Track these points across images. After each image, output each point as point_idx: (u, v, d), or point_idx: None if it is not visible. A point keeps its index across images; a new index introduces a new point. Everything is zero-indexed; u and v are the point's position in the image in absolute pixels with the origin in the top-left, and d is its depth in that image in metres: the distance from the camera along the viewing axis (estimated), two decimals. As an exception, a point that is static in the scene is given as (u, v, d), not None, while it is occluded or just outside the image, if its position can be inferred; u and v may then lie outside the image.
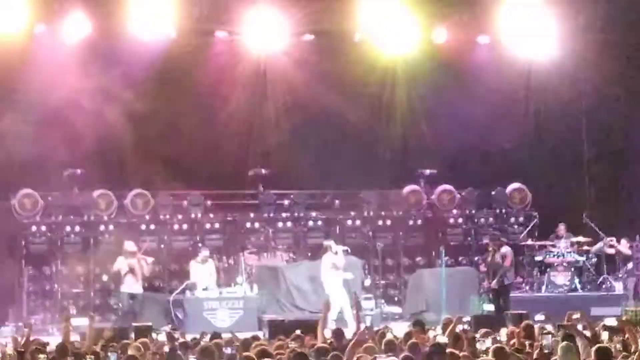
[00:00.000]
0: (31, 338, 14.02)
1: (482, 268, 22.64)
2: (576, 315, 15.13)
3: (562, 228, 23.25)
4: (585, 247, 23.12)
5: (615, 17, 23.62)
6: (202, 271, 22.00)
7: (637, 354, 10.91)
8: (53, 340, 15.15)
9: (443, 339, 12.46)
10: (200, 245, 23.27)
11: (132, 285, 21.13)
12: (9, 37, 21.73)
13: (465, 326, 17.22)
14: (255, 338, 14.28)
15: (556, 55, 24.58)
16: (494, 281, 21.02)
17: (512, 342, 12.61)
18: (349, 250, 21.78)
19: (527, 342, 12.30)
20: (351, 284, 22.34)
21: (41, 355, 11.09)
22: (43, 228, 22.86)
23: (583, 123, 25.35)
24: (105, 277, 23.04)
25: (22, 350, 12.43)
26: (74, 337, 17.13)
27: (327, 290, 20.93)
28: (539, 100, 25.32)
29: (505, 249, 21.42)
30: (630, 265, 23.02)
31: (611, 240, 22.99)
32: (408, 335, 13.39)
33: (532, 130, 25.57)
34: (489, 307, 22.22)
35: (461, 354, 11.06)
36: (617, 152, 24.72)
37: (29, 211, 22.73)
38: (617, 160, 24.69)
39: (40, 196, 22.84)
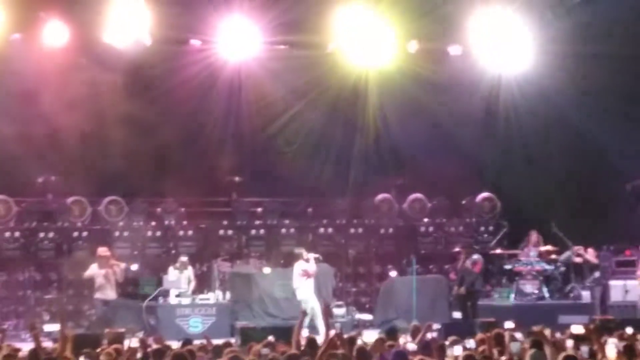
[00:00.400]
0: (4, 344, 14.14)
1: (452, 276, 22.94)
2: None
3: (533, 236, 23.48)
4: (554, 256, 23.37)
5: (585, 28, 23.88)
6: (181, 277, 22.09)
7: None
8: (26, 347, 15.21)
9: (412, 347, 12.65)
10: (174, 252, 23.37)
11: (105, 292, 21.19)
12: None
13: (435, 334, 17.51)
14: (227, 344, 14.40)
15: (527, 65, 24.81)
16: (462, 287, 21.34)
17: (481, 349, 12.80)
18: (321, 258, 21.94)
19: (496, 350, 12.49)
20: (323, 291, 22.59)
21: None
22: (17, 234, 22.88)
23: (554, 133, 25.59)
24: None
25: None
26: (47, 343, 17.25)
27: (299, 297, 21.10)
28: (510, 110, 25.50)
29: (477, 256, 21.71)
30: (597, 274, 23.36)
31: (579, 249, 23.30)
32: (378, 342, 13.57)
33: (503, 140, 25.78)
34: (459, 315, 22.49)
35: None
36: (587, 162, 24.95)
37: (2, 217, 22.76)
38: (587, 170, 24.93)
39: (14, 202, 22.87)
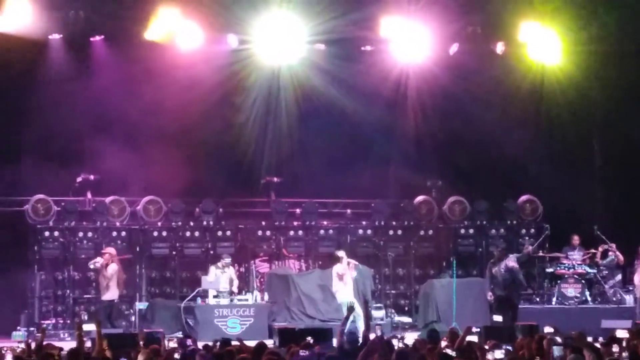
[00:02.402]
0: (44, 342, 14.16)
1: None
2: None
3: (576, 239, 23.23)
4: (597, 260, 23.08)
5: (623, 27, 23.63)
6: (221, 278, 22.04)
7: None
8: (65, 346, 15.22)
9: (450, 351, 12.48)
10: (212, 252, 23.36)
11: (113, 292, 21.26)
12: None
13: (474, 337, 17.34)
14: (262, 345, 14.25)
15: (567, 65, 24.63)
16: (506, 290, 20.86)
17: (520, 352, 12.62)
18: (360, 266, 21.73)
19: (537, 357, 12.29)
20: (361, 293, 22.48)
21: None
22: (56, 233, 22.96)
23: (596, 134, 25.32)
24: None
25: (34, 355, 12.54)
26: (87, 343, 17.27)
27: (339, 300, 20.91)
28: (553, 111, 25.29)
29: (512, 262, 21.27)
30: (619, 276, 23.03)
31: (611, 246, 22.97)
32: (416, 345, 13.42)
33: (544, 141, 25.57)
34: (498, 318, 22.24)
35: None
36: (630, 164, 24.66)
37: (42, 216, 22.85)
38: (630, 171, 24.64)
39: (54, 202, 22.96)
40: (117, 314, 22.20)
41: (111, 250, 21.53)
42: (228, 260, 22.29)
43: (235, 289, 22.12)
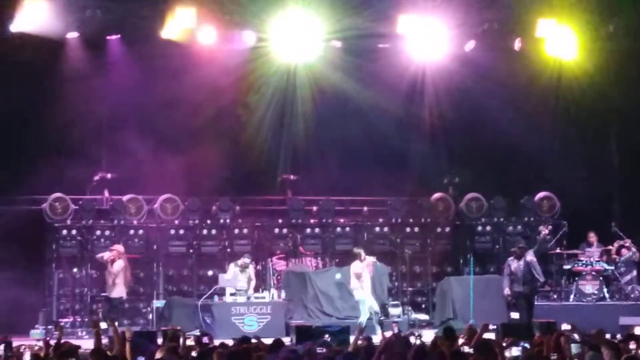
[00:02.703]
0: (62, 341, 14.20)
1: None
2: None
3: (592, 236, 23.15)
4: (614, 256, 23.00)
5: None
6: (239, 276, 22.05)
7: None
8: (83, 344, 15.28)
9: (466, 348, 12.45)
10: (229, 250, 23.38)
11: (119, 290, 21.05)
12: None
13: (492, 334, 17.30)
14: (279, 342, 14.24)
15: (584, 61, 24.56)
16: (525, 286, 20.76)
17: (538, 350, 12.57)
18: (378, 263, 21.71)
19: (554, 354, 12.24)
20: (378, 290, 22.49)
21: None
22: (73, 232, 23.03)
23: (613, 130, 25.23)
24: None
25: (52, 354, 12.58)
26: (104, 340, 17.32)
27: (357, 298, 20.82)
28: (571, 107, 25.22)
29: (531, 256, 21.18)
30: (634, 272, 22.92)
31: (626, 242, 22.87)
32: (435, 342, 13.39)
33: (562, 138, 25.50)
34: (516, 315, 22.19)
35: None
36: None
37: (59, 215, 22.93)
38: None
39: (71, 200, 23.04)
40: (123, 312, 22.18)
41: (119, 247, 21.40)
42: (247, 261, 22.28)
43: (251, 290, 22.07)
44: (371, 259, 20.86)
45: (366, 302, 20.43)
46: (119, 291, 20.99)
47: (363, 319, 20.17)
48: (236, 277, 21.99)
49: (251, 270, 22.35)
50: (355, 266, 20.65)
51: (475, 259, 23.09)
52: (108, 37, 23.15)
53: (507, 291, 20.84)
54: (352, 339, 14.74)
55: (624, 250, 22.99)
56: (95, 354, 12.22)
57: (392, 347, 11.78)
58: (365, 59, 24.22)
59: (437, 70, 24.61)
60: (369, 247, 23.96)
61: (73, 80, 22.72)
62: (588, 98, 24.81)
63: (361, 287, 20.51)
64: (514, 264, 20.77)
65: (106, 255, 21.24)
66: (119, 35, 23.08)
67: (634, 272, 23.02)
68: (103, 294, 22.88)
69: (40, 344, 14.46)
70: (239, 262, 22.24)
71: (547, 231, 21.75)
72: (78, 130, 22.90)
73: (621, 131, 25.02)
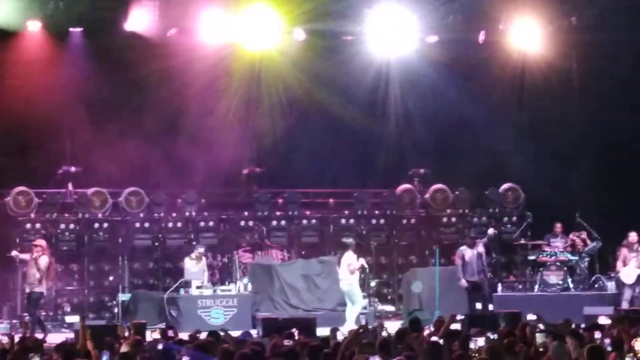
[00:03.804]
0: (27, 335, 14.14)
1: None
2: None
3: (558, 226, 23.28)
4: (579, 247, 23.15)
5: (606, 15, 23.72)
6: (196, 268, 22.00)
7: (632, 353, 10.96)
8: (47, 338, 15.20)
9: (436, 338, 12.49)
10: (195, 242, 23.30)
11: (44, 285, 20.43)
12: None
13: (458, 325, 17.38)
14: (247, 334, 14.23)
15: (549, 53, 24.72)
16: (478, 276, 20.97)
17: (505, 341, 12.64)
18: (367, 269, 21.67)
19: (520, 343, 12.32)
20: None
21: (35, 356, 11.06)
22: (37, 225, 22.84)
23: (577, 122, 25.38)
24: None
25: (16, 348, 12.50)
26: (69, 335, 17.26)
27: (344, 289, 20.69)
28: (534, 100, 25.38)
29: (481, 248, 21.36)
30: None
31: (582, 234, 23.06)
32: (401, 334, 13.43)
33: (526, 129, 25.63)
34: (479, 306, 22.34)
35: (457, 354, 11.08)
36: (611, 152, 24.74)
37: (23, 208, 22.75)
38: (611, 159, 24.71)
39: (35, 194, 22.86)
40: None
41: (42, 242, 20.75)
42: (202, 250, 22.24)
43: (206, 282, 21.91)
44: (362, 261, 20.76)
45: (356, 293, 20.41)
46: (43, 287, 20.31)
47: (355, 310, 20.19)
48: (201, 270, 21.92)
49: (204, 261, 22.25)
50: (349, 257, 20.57)
51: (440, 250, 23.13)
52: (71, 29, 22.98)
53: (463, 282, 21.01)
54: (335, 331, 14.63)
55: (589, 241, 23.17)
56: (60, 349, 12.17)
57: (358, 339, 11.80)
58: (329, 52, 24.23)
59: (401, 63, 24.68)
60: (335, 239, 24.08)
61: (35, 71, 22.54)
62: (552, 89, 24.97)
63: (350, 278, 20.48)
64: (468, 254, 20.93)
65: (23, 255, 20.74)
66: (81, 28, 22.92)
67: (585, 263, 23.20)
68: (68, 288, 22.88)
69: (6, 339, 14.35)
70: (193, 254, 22.16)
71: (492, 232, 21.97)
72: (41, 122, 22.71)
73: (585, 122, 25.17)
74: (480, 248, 21.11)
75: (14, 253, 20.96)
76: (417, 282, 22.02)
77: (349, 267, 20.41)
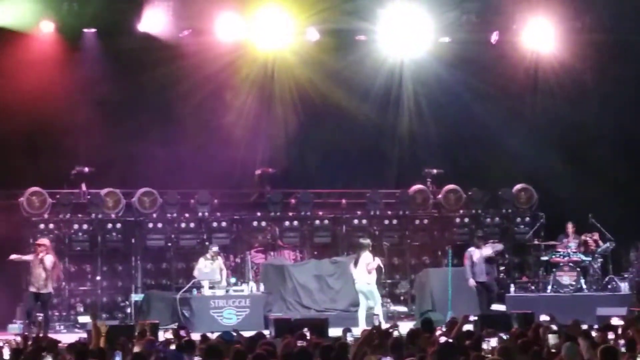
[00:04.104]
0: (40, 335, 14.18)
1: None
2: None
3: (570, 227, 23.22)
4: (592, 247, 23.10)
5: (620, 17, 23.67)
6: (211, 267, 22.00)
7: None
8: (61, 338, 15.24)
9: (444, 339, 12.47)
10: (207, 243, 23.32)
11: (50, 285, 20.19)
12: None
13: (471, 326, 17.35)
14: (261, 335, 14.25)
15: (562, 53, 24.68)
16: (487, 276, 21.01)
17: (518, 341, 12.62)
18: (382, 270, 21.68)
19: (532, 343, 12.30)
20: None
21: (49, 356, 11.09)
22: (51, 226, 22.90)
23: (590, 122, 25.31)
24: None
25: (30, 348, 12.53)
26: (82, 335, 17.31)
27: (361, 288, 20.65)
28: (547, 100, 25.33)
29: (487, 251, 21.34)
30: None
31: (594, 235, 23.00)
32: (413, 334, 13.42)
33: (540, 129, 25.57)
34: (496, 307, 22.32)
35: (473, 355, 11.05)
36: (625, 152, 24.69)
37: (36, 209, 22.81)
38: (625, 161, 24.65)
39: (48, 194, 22.92)
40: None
41: (46, 241, 20.63)
42: (216, 249, 22.25)
43: (223, 281, 21.96)
44: (378, 261, 20.79)
45: (375, 293, 20.46)
46: (50, 287, 20.16)
47: (378, 307, 20.24)
48: (214, 270, 21.93)
49: (220, 261, 22.27)
50: (367, 257, 20.58)
51: (453, 250, 23.09)
52: (84, 30, 23.05)
53: (472, 282, 21.01)
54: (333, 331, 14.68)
55: (601, 242, 23.11)
56: (72, 349, 12.21)
57: (371, 340, 11.80)
58: (342, 52, 24.25)
59: (414, 63, 24.68)
60: (347, 239, 24.09)
61: (48, 72, 22.60)
62: (565, 89, 24.91)
63: (367, 277, 20.52)
64: (476, 255, 20.95)
65: (26, 256, 20.54)
66: (94, 29, 23.00)
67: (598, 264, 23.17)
68: (82, 288, 22.95)
69: (19, 338, 14.41)
70: (208, 254, 22.17)
71: (501, 248, 21.93)
72: (54, 123, 22.78)
73: (599, 122, 25.10)
74: (485, 251, 21.11)
75: (13, 257, 20.57)
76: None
77: (368, 266, 20.42)
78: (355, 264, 20.70)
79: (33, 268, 20.20)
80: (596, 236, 22.98)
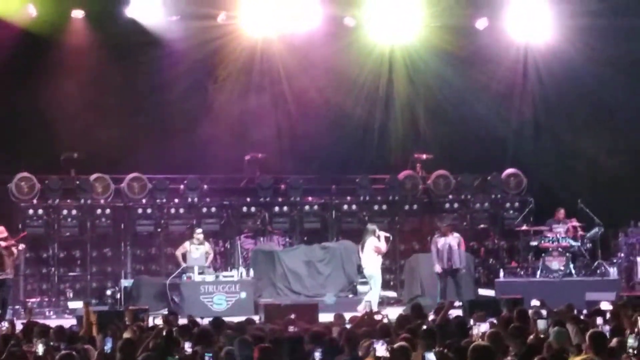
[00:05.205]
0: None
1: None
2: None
3: (561, 212, 23.27)
4: (580, 233, 23.16)
5: (610, 2, 23.68)
6: (198, 252, 21.98)
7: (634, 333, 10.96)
8: (51, 324, 15.20)
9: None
10: (197, 229, 23.31)
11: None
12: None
13: (459, 311, 17.42)
14: (250, 321, 14.29)
15: (553, 39, 24.68)
16: (449, 263, 21.06)
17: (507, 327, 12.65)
18: (391, 238, 21.75)
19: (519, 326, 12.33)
20: (347, 268, 22.61)
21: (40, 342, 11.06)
22: (40, 211, 22.86)
23: (580, 108, 25.34)
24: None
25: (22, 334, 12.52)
26: (71, 321, 17.30)
27: (367, 273, 20.90)
28: (535, 85, 25.35)
29: (455, 240, 21.38)
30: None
31: (571, 221, 23.08)
32: (402, 319, 13.45)
33: (529, 115, 25.61)
34: (485, 292, 22.38)
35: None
36: (614, 138, 24.74)
37: (25, 194, 22.75)
38: (614, 146, 24.70)
39: (37, 179, 22.85)
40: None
41: (2, 229, 20.42)
42: (199, 231, 22.21)
43: (209, 262, 21.94)
44: (384, 234, 20.94)
45: (375, 278, 20.55)
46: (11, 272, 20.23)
47: (374, 296, 20.33)
48: (202, 255, 21.90)
49: (207, 245, 22.25)
50: (373, 242, 20.70)
51: (443, 236, 23.10)
52: (72, 15, 22.99)
53: (437, 268, 21.05)
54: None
55: (579, 229, 23.18)
56: (59, 334, 12.20)
57: (362, 326, 11.83)
58: (330, 38, 24.23)
59: (404, 49, 24.67)
60: (337, 225, 24.11)
61: (37, 57, 22.55)
62: (555, 75, 24.93)
63: (373, 263, 20.60)
64: (441, 242, 21.01)
65: (20, 247, 20.55)
66: (83, 13, 22.93)
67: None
68: (71, 274, 22.95)
69: (6, 324, 14.38)
70: (194, 239, 22.13)
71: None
72: (44, 108, 22.72)
73: (588, 107, 25.13)
74: (454, 240, 21.13)
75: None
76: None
77: (375, 248, 20.50)
78: (362, 249, 20.80)
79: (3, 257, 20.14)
80: (575, 222, 23.03)
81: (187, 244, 22.15)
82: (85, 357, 10.79)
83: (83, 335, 12.68)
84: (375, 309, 18.90)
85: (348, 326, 13.46)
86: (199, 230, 22.35)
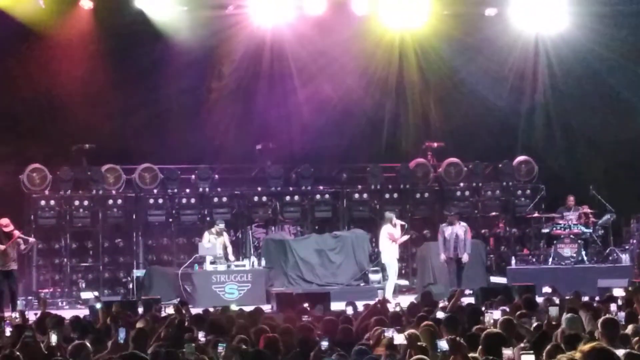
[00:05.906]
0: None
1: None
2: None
3: (571, 199, 23.25)
4: (592, 219, 23.13)
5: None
6: (216, 244, 21.98)
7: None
8: (63, 314, 15.25)
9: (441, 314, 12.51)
10: (208, 218, 23.34)
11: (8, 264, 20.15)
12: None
13: (471, 299, 17.42)
14: (260, 310, 14.24)
15: (564, 27, 24.60)
16: (455, 252, 21.05)
17: (518, 313, 12.66)
18: (407, 226, 21.79)
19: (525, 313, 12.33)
20: (359, 256, 22.66)
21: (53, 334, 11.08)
22: (52, 202, 22.91)
23: (590, 96, 25.28)
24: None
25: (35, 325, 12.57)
26: (85, 311, 17.35)
27: (383, 261, 21.24)
28: (546, 73, 25.29)
29: (462, 229, 21.34)
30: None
31: (584, 208, 23.05)
32: (413, 307, 13.46)
33: (539, 102, 25.56)
34: (497, 280, 22.36)
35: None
36: (624, 125, 24.67)
37: (37, 185, 22.80)
38: (624, 133, 24.63)
39: (49, 170, 22.90)
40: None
41: (7, 221, 20.47)
42: (222, 225, 22.22)
43: (230, 257, 22.00)
44: (400, 222, 21.07)
45: (391, 266, 20.66)
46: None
47: (390, 284, 20.42)
48: (214, 245, 21.92)
49: (225, 237, 22.27)
50: (387, 229, 20.91)
51: (454, 223, 23.07)
52: (80, 3, 23.00)
53: (442, 257, 21.06)
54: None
55: (591, 215, 23.14)
56: (74, 323, 12.24)
57: (375, 314, 11.84)
58: (342, 27, 24.18)
59: (413, 36, 24.61)
60: (348, 213, 24.11)
61: (51, 48, 22.58)
62: (566, 62, 24.88)
63: (390, 250, 20.65)
64: (448, 231, 20.99)
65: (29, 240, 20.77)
66: (91, 4, 22.93)
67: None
68: (83, 264, 22.99)
69: (17, 314, 14.45)
70: (213, 229, 22.15)
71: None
72: (55, 99, 22.76)
73: (599, 94, 25.07)
74: (461, 230, 21.11)
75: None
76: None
77: (389, 235, 20.64)
78: (380, 237, 21.04)
79: (12, 249, 20.26)
80: (586, 209, 23.00)
81: (206, 233, 22.16)
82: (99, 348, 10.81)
83: (100, 329, 12.68)
84: (389, 297, 18.97)
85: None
86: (220, 223, 22.20)
